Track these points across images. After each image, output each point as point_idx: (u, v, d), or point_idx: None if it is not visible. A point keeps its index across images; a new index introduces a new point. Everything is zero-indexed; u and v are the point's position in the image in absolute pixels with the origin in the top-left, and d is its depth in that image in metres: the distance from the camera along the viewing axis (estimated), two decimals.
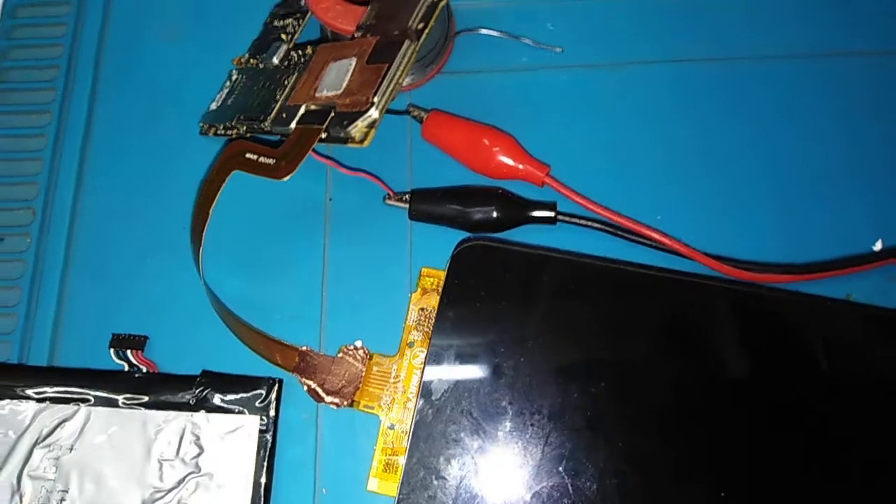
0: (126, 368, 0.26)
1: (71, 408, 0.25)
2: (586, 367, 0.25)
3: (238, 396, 0.26)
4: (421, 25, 0.25)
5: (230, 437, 0.25)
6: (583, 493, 0.23)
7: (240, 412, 0.25)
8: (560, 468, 0.24)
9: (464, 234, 0.27)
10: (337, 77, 0.26)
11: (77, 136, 0.31)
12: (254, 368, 0.26)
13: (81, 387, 0.26)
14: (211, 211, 0.26)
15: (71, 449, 0.25)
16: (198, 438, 0.25)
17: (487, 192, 0.27)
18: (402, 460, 0.24)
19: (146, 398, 0.26)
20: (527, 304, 0.25)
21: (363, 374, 0.26)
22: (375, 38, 0.26)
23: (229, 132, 0.28)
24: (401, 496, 0.24)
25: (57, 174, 0.30)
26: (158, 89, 0.31)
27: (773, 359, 0.25)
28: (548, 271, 0.26)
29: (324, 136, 0.24)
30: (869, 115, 0.29)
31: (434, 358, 0.25)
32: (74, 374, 0.26)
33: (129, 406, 0.26)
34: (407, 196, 0.27)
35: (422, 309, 0.26)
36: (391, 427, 0.25)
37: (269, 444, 0.25)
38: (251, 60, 0.31)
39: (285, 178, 0.24)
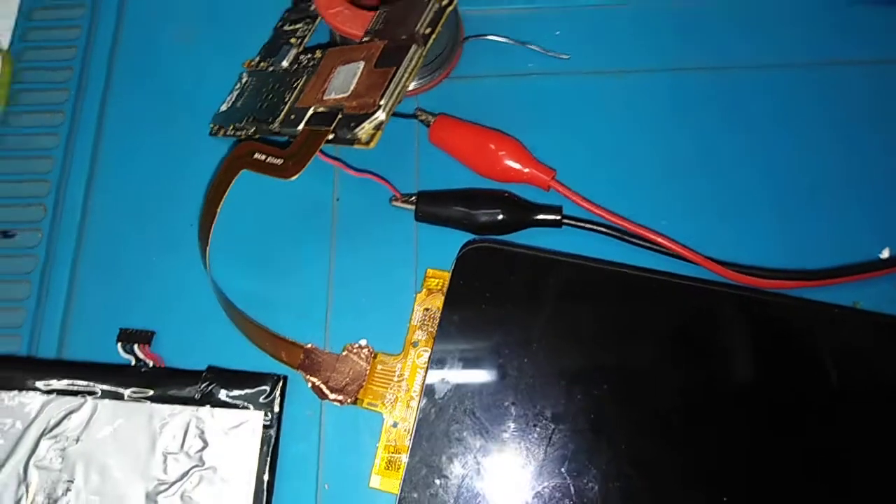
0: (133, 362, 0.27)
1: (78, 400, 0.26)
2: (590, 369, 0.25)
3: (243, 392, 0.26)
4: (428, 30, 0.25)
5: (234, 432, 0.25)
6: (585, 495, 0.23)
7: (244, 408, 0.25)
8: (562, 469, 0.24)
9: (469, 236, 0.28)
10: (345, 80, 0.26)
11: (89, 136, 0.31)
12: (259, 365, 0.26)
13: (88, 380, 0.26)
14: (219, 210, 0.26)
15: (77, 440, 0.25)
16: (202, 433, 0.25)
17: (493, 194, 0.28)
18: (404, 458, 0.24)
19: (152, 392, 0.26)
20: (531, 307, 0.25)
21: (367, 372, 0.26)
22: (383, 43, 0.26)
23: (238, 133, 0.29)
24: (403, 494, 0.24)
25: (68, 172, 0.30)
26: (170, 91, 0.32)
27: (778, 365, 0.25)
28: (553, 274, 0.26)
29: (331, 137, 0.25)
30: (869, 124, 0.29)
31: (438, 357, 0.25)
32: (82, 367, 0.27)
33: (135, 399, 0.26)
34: (413, 198, 0.28)
35: (426, 309, 0.27)
36: (394, 425, 0.25)
37: (273, 440, 0.25)
38: (261, 63, 0.31)
39: (292, 178, 0.24)
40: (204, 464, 0.25)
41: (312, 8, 0.31)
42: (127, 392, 0.26)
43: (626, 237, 0.27)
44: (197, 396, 0.26)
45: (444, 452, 0.24)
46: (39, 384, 0.26)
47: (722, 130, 0.29)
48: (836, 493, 0.23)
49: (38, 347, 0.28)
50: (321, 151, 0.26)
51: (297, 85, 0.28)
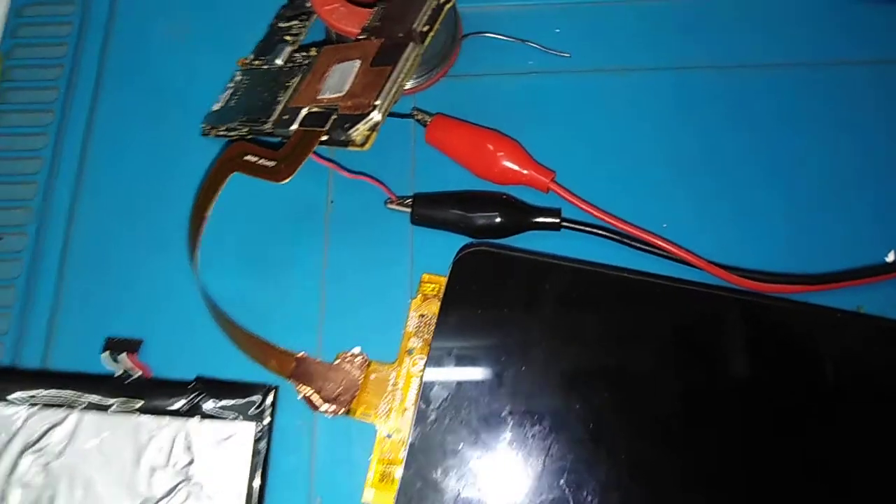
0: (119, 373, 0.26)
1: (62, 412, 0.25)
2: (590, 377, 0.24)
3: (232, 403, 0.25)
4: (426, 28, 0.25)
5: (223, 444, 0.25)
6: None
7: (234, 419, 0.25)
8: (561, 481, 0.23)
9: (466, 240, 0.27)
10: (340, 79, 0.25)
11: (78, 136, 0.30)
12: (249, 374, 0.26)
13: (73, 391, 0.25)
14: (208, 213, 0.25)
15: (60, 454, 0.24)
16: (190, 446, 0.25)
17: (491, 197, 0.27)
18: (398, 471, 0.24)
19: (138, 403, 0.25)
20: (529, 313, 0.25)
21: (361, 381, 0.25)
22: (380, 41, 0.26)
23: (231, 133, 0.28)
24: None
25: (56, 173, 0.30)
26: (162, 90, 0.31)
27: (781, 371, 0.24)
28: (551, 279, 0.26)
29: (325, 138, 0.24)
30: (876, 125, 0.29)
31: (433, 366, 0.25)
32: (66, 377, 0.26)
33: (121, 411, 0.25)
34: (409, 200, 0.27)
35: (422, 315, 0.26)
36: (388, 436, 0.25)
37: (264, 453, 0.25)
38: (255, 62, 0.30)
39: (284, 182, 0.24)
40: (191, 478, 0.24)
41: (308, 5, 0.31)
42: (112, 403, 0.25)
43: (626, 240, 0.27)
44: (185, 408, 0.25)
45: (439, 465, 0.23)
46: (22, 395, 0.25)
47: (725, 131, 0.29)
48: (840, 499, 0.23)
49: (22, 356, 0.27)
50: (315, 153, 0.25)
51: (292, 84, 0.28)
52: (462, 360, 0.25)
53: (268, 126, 0.27)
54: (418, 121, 0.29)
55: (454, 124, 0.28)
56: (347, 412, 0.25)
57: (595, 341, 0.25)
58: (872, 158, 0.28)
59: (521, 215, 0.27)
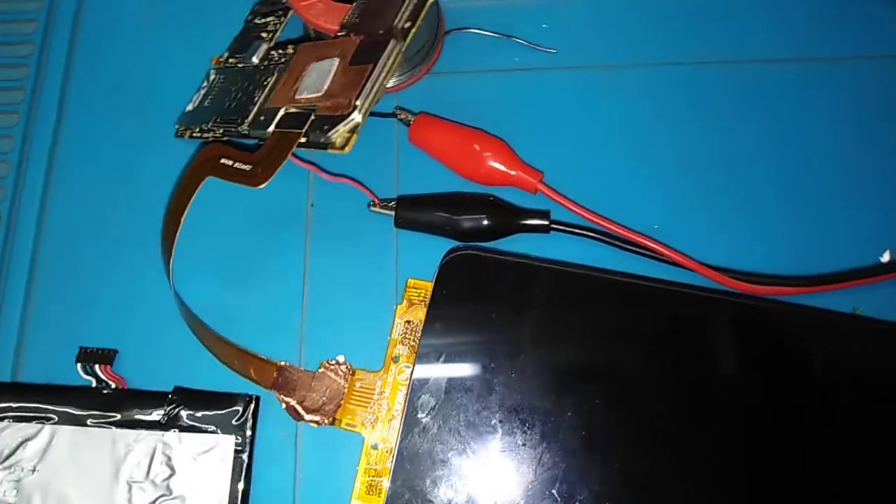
0: (94, 384, 0.25)
1: (34, 426, 0.24)
2: (580, 383, 0.24)
3: (212, 414, 0.25)
4: (408, 24, 0.24)
5: (204, 457, 0.24)
6: None
7: (214, 431, 0.24)
8: (553, 490, 0.23)
9: (453, 243, 0.27)
10: (318, 78, 0.25)
11: (46, 138, 0.30)
12: (229, 385, 0.25)
13: (46, 403, 0.25)
14: (183, 219, 0.25)
15: (33, 470, 0.24)
16: (169, 459, 0.24)
17: (478, 199, 0.27)
18: (386, 482, 0.23)
19: (115, 416, 0.25)
20: (518, 317, 0.25)
21: (345, 390, 0.25)
22: (360, 38, 0.25)
23: (206, 135, 0.28)
24: None
25: (24, 177, 0.29)
26: (132, 90, 0.30)
27: (776, 375, 0.24)
28: (540, 282, 0.25)
29: (303, 140, 0.24)
30: (883, 122, 0.28)
31: (421, 373, 0.24)
32: (38, 389, 0.25)
33: (97, 425, 0.25)
34: (393, 203, 0.27)
35: (408, 322, 0.26)
36: (375, 446, 0.24)
37: (245, 465, 0.24)
38: (230, 60, 0.30)
39: (261, 187, 0.23)
40: (171, 493, 0.24)
41: (285, 0, 0.30)
42: (88, 416, 0.25)
43: (617, 242, 0.26)
44: (163, 420, 0.25)
45: (427, 475, 0.23)
46: None
47: (722, 127, 0.29)
48: (835, 501, 0.23)
49: None
50: (294, 155, 0.25)
51: (268, 83, 0.27)
52: (449, 367, 0.24)
53: (244, 127, 0.26)
54: (401, 120, 0.28)
55: (438, 124, 0.28)
56: (332, 422, 0.24)
57: (586, 347, 0.25)
58: (875, 156, 0.28)
59: (508, 217, 0.26)
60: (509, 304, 0.25)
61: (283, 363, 0.25)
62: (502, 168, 0.27)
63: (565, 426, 0.23)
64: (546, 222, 0.26)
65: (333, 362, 0.25)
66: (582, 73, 0.30)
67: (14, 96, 0.30)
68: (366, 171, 0.28)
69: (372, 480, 0.24)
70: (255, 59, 0.28)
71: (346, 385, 0.25)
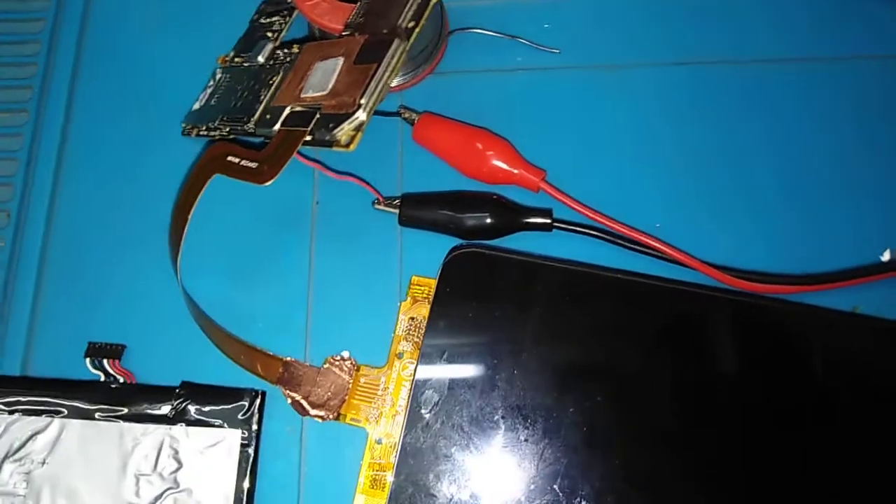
0: (102, 379, 0.26)
1: (44, 420, 0.25)
2: (583, 380, 0.24)
3: (219, 409, 0.25)
4: (411, 24, 0.24)
5: (210, 451, 0.24)
6: None
7: (220, 425, 0.25)
8: (555, 486, 0.23)
9: (456, 241, 0.27)
10: (323, 77, 0.25)
11: (54, 137, 0.30)
12: (236, 380, 0.25)
13: (55, 397, 0.25)
14: (190, 216, 0.25)
15: (43, 463, 0.24)
16: (176, 452, 0.24)
17: (481, 197, 0.27)
18: (389, 476, 0.24)
19: (123, 410, 0.25)
20: (521, 315, 0.25)
21: (350, 385, 0.25)
22: (364, 37, 0.25)
23: (212, 133, 0.28)
24: None
25: (33, 175, 0.29)
26: (139, 89, 0.30)
27: (777, 373, 0.24)
28: (543, 280, 0.25)
29: (308, 138, 0.24)
30: (882, 122, 0.28)
31: (424, 369, 0.24)
32: (48, 384, 0.25)
33: (105, 418, 0.25)
34: (397, 201, 0.27)
35: (412, 318, 0.26)
36: (379, 441, 0.24)
37: (251, 459, 0.24)
38: (236, 59, 0.30)
39: (267, 184, 0.23)
40: (178, 486, 0.24)
41: (290, 0, 0.30)
42: (96, 410, 0.25)
43: (619, 241, 0.26)
44: (170, 414, 0.25)
45: (431, 470, 0.23)
46: (2, 403, 0.25)
47: (725, 127, 0.29)
48: (835, 499, 0.23)
49: (2, 362, 0.26)
50: (299, 153, 0.25)
51: (274, 82, 0.27)
52: (453, 364, 0.24)
53: (250, 126, 0.26)
54: (405, 119, 0.28)
55: (442, 123, 0.28)
56: (336, 417, 0.25)
57: (588, 343, 0.25)
58: (875, 156, 0.28)
59: (511, 216, 0.27)
60: (512, 301, 0.25)
61: (288, 359, 0.25)
62: (505, 167, 0.27)
63: (567, 422, 0.23)
64: (548, 221, 0.26)
65: (338, 358, 0.25)
66: (584, 73, 0.30)
67: (22, 94, 0.30)
68: (370, 170, 0.28)
69: (376, 475, 0.24)
70: (260, 59, 0.28)
71: (351, 381, 0.25)
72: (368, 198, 0.27)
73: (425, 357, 0.24)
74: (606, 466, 0.23)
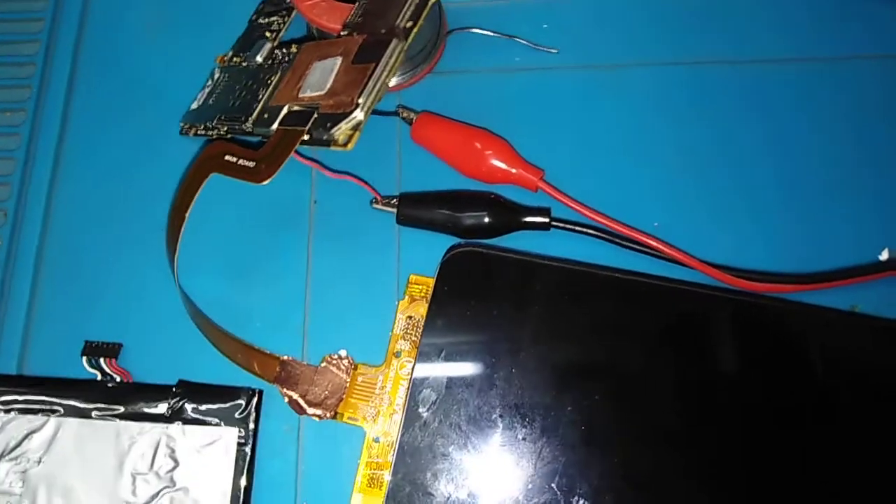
0: (99, 377, 0.26)
1: (40, 418, 0.25)
2: (580, 379, 0.24)
3: (216, 407, 0.25)
4: (409, 24, 0.24)
5: (207, 450, 0.24)
6: None
7: (217, 424, 0.25)
8: (553, 484, 0.23)
9: (454, 241, 0.27)
10: (321, 77, 0.25)
11: (52, 136, 0.30)
12: (233, 378, 0.25)
13: (51, 396, 0.25)
14: (188, 214, 0.25)
15: (39, 462, 0.24)
16: (173, 451, 0.24)
17: (479, 196, 0.27)
18: (387, 475, 0.23)
19: (119, 409, 0.25)
20: (519, 314, 0.25)
21: (347, 384, 0.25)
22: (362, 37, 0.25)
23: (210, 133, 0.28)
24: None
25: (30, 175, 0.29)
26: (138, 89, 0.31)
27: (775, 372, 0.24)
28: (541, 279, 0.25)
29: (306, 138, 0.24)
30: (881, 122, 0.28)
31: (422, 368, 0.24)
32: (44, 382, 0.25)
33: (102, 417, 0.25)
34: (395, 200, 0.27)
35: (409, 317, 0.26)
36: (376, 440, 0.24)
37: (248, 458, 0.24)
38: (234, 59, 0.30)
39: (265, 183, 0.23)
40: (175, 485, 0.24)
41: (288, 0, 0.30)
42: (93, 409, 0.25)
43: (617, 240, 0.26)
44: (167, 413, 0.25)
45: (428, 469, 0.23)
46: None
47: (724, 126, 0.29)
48: (838, 499, 0.23)
49: None
50: (297, 152, 0.25)
51: (272, 81, 0.27)
52: (451, 362, 0.24)
53: (247, 125, 0.26)
54: (403, 119, 0.28)
55: (440, 122, 0.28)
56: (334, 416, 0.24)
57: (586, 342, 0.25)
58: (872, 155, 0.28)
59: (509, 215, 0.27)
60: (510, 300, 0.25)
61: (285, 357, 0.25)
62: (503, 166, 0.27)
63: (565, 421, 0.23)
64: (547, 220, 0.26)
65: (336, 357, 0.25)
66: (583, 73, 0.30)
67: (21, 94, 0.31)
68: (368, 169, 0.28)
69: (373, 474, 0.24)
70: (259, 58, 0.29)
71: (348, 379, 0.25)
72: (366, 197, 0.27)
73: (423, 356, 0.24)
74: (604, 465, 0.23)
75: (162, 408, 0.25)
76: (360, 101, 0.23)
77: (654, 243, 0.26)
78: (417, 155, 0.28)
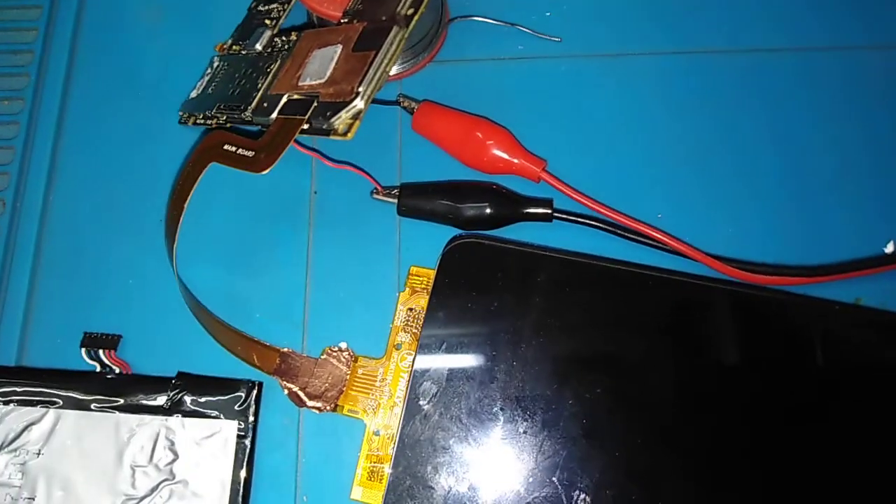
0: (98, 369, 0.26)
1: (39, 410, 0.24)
2: (582, 372, 0.24)
3: (215, 400, 0.25)
4: (410, 11, 0.24)
5: (206, 442, 0.24)
6: None
7: (217, 416, 0.25)
8: (553, 478, 0.23)
9: (455, 231, 0.27)
10: (321, 65, 0.24)
11: (50, 124, 0.30)
12: (232, 370, 0.25)
13: (50, 388, 0.25)
14: (186, 205, 0.25)
15: (38, 454, 0.24)
16: (172, 444, 0.24)
17: (480, 187, 0.27)
18: (387, 468, 0.23)
19: (119, 401, 0.25)
20: (520, 306, 0.25)
21: (348, 377, 0.25)
22: (362, 25, 0.25)
23: (209, 122, 0.27)
24: None
25: (29, 163, 0.29)
26: (136, 76, 0.30)
27: (778, 365, 0.24)
28: (543, 271, 0.25)
29: (306, 127, 0.23)
30: (882, 112, 0.28)
31: (422, 361, 0.24)
32: (43, 374, 0.25)
33: (101, 409, 0.25)
34: (396, 191, 0.27)
35: (410, 309, 0.26)
36: (377, 433, 0.24)
37: (248, 450, 0.24)
38: (234, 47, 0.29)
39: (264, 172, 0.23)
40: (174, 477, 0.24)
41: None
42: (92, 401, 0.25)
43: (620, 231, 0.26)
44: (166, 405, 0.25)
45: (429, 462, 0.23)
46: None
47: (729, 116, 0.28)
48: (840, 493, 0.23)
49: None
50: (297, 142, 0.25)
51: (271, 70, 0.27)
52: (452, 355, 0.24)
53: (247, 114, 0.26)
54: (404, 108, 0.28)
55: (442, 112, 0.28)
56: (334, 409, 0.24)
57: (588, 335, 0.25)
58: (875, 147, 0.28)
59: (511, 206, 0.26)
60: (511, 292, 0.25)
61: (285, 349, 0.25)
62: (505, 156, 0.27)
63: (566, 414, 0.23)
64: (549, 211, 0.26)
65: (336, 349, 0.25)
66: (586, 62, 0.29)
67: (19, 82, 0.30)
68: (369, 159, 0.28)
69: (374, 466, 0.24)
70: (258, 46, 0.28)
71: (349, 372, 0.25)
72: (367, 187, 0.27)
73: (424, 348, 0.24)
74: (606, 459, 0.23)
75: (161, 400, 0.25)
76: (361, 89, 0.23)
77: (657, 235, 0.25)
78: (418, 145, 0.28)
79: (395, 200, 0.26)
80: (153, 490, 0.24)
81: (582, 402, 0.23)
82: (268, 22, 0.29)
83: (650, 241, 0.26)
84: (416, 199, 0.26)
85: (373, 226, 0.27)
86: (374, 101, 0.23)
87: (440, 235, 0.26)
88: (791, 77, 0.29)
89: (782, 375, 0.24)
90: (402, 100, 0.28)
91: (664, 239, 0.25)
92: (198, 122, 0.28)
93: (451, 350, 0.24)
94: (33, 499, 0.23)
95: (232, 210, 0.28)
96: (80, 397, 0.25)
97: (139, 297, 0.27)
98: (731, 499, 0.23)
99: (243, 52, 0.29)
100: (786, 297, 0.25)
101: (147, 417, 0.24)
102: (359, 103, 0.23)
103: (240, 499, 0.24)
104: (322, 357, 0.25)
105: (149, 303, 0.27)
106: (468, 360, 0.24)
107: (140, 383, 0.25)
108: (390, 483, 0.23)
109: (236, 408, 0.24)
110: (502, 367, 0.24)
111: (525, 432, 0.23)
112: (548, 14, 0.30)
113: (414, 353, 0.24)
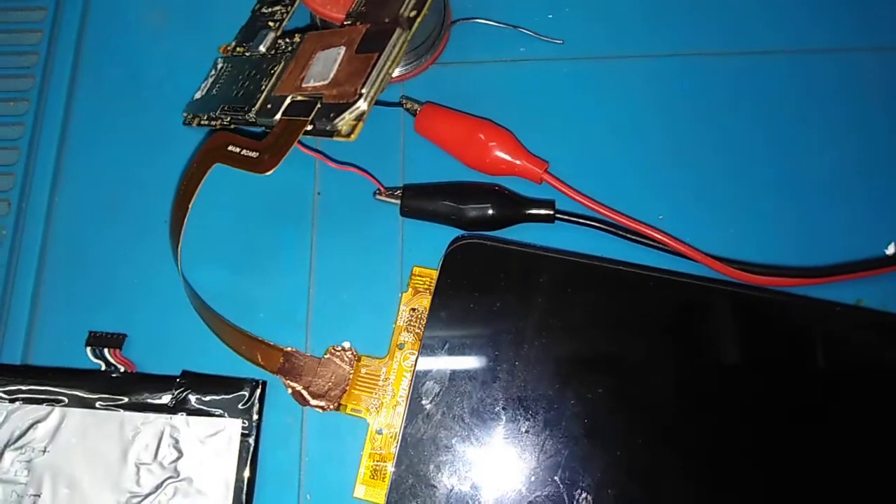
0: (103, 368, 0.26)
1: (45, 408, 0.25)
2: (584, 372, 0.24)
3: (219, 398, 0.25)
4: (413, 13, 0.24)
5: (211, 440, 0.24)
6: None
7: (221, 415, 0.25)
8: (555, 477, 0.23)
9: (458, 232, 0.27)
10: (324, 67, 0.25)
11: (56, 126, 0.30)
12: (236, 369, 0.25)
13: (56, 386, 0.25)
14: (191, 205, 0.25)
15: (44, 451, 0.24)
16: (177, 442, 0.24)
17: (483, 188, 0.27)
18: (390, 467, 0.23)
19: (123, 399, 0.25)
20: (523, 306, 0.25)
21: (351, 376, 0.25)
22: (365, 27, 0.25)
23: (213, 123, 0.28)
24: None
25: (34, 164, 0.29)
26: (141, 78, 0.30)
27: (779, 366, 0.24)
28: (545, 272, 0.25)
29: (309, 128, 0.24)
30: (880, 114, 0.28)
31: (425, 360, 0.24)
32: (49, 372, 0.26)
33: (106, 407, 0.25)
34: (399, 191, 0.27)
35: (413, 309, 0.26)
36: (379, 432, 0.24)
37: (252, 449, 0.24)
38: (237, 48, 0.30)
39: (268, 174, 0.23)
40: (179, 475, 0.24)
41: None
42: (97, 399, 0.25)
43: (621, 233, 0.26)
44: (171, 403, 0.25)
45: (431, 461, 0.23)
46: (3, 391, 0.25)
47: (729, 118, 0.28)
48: (840, 494, 0.23)
49: (3, 351, 0.27)
50: (300, 143, 0.25)
51: (275, 71, 0.27)
52: (454, 355, 0.24)
53: (251, 115, 0.26)
54: (407, 109, 0.28)
55: (444, 113, 0.28)
56: (337, 408, 0.24)
57: (590, 335, 0.25)
58: (874, 149, 0.28)
59: (514, 207, 0.26)
60: (514, 292, 0.25)
61: (289, 349, 0.25)
62: (508, 158, 0.27)
63: (568, 414, 0.23)
64: (551, 212, 0.26)
65: (339, 348, 0.25)
66: (587, 64, 0.29)
67: (24, 83, 0.30)
68: (372, 160, 0.28)
69: (376, 465, 0.24)
70: (262, 48, 0.28)
71: (352, 371, 0.25)
72: (370, 188, 0.27)
73: (426, 348, 0.24)
74: (608, 458, 0.23)
75: (166, 398, 0.25)
76: (364, 91, 0.23)
77: (658, 236, 0.26)
78: (421, 146, 0.28)
79: (398, 201, 0.27)
80: (157, 488, 0.24)
81: (584, 402, 0.24)
82: (271, 24, 0.29)
83: (651, 242, 0.26)
84: (418, 200, 0.26)
85: (376, 226, 0.27)
86: (377, 102, 0.24)
87: (443, 236, 0.26)
88: (787, 78, 0.29)
89: (783, 376, 0.24)
90: (404, 101, 0.28)
91: (665, 240, 0.25)
92: (202, 123, 0.28)
93: (453, 350, 0.24)
94: (39, 495, 0.24)
95: (236, 210, 0.28)
96: (86, 396, 0.25)
97: (144, 296, 0.27)
98: (732, 499, 0.23)
99: (247, 54, 0.29)
100: (787, 298, 0.25)
101: (152, 416, 0.25)
102: (362, 105, 0.23)
103: (243, 496, 0.24)
104: (325, 356, 0.25)
105: (153, 302, 0.27)
106: (470, 360, 0.24)
107: (145, 382, 0.25)
108: (393, 481, 0.23)
109: (240, 406, 0.25)
110: (504, 366, 0.24)
111: (527, 432, 0.23)
112: (550, 16, 0.30)
113: (416, 353, 0.24)
